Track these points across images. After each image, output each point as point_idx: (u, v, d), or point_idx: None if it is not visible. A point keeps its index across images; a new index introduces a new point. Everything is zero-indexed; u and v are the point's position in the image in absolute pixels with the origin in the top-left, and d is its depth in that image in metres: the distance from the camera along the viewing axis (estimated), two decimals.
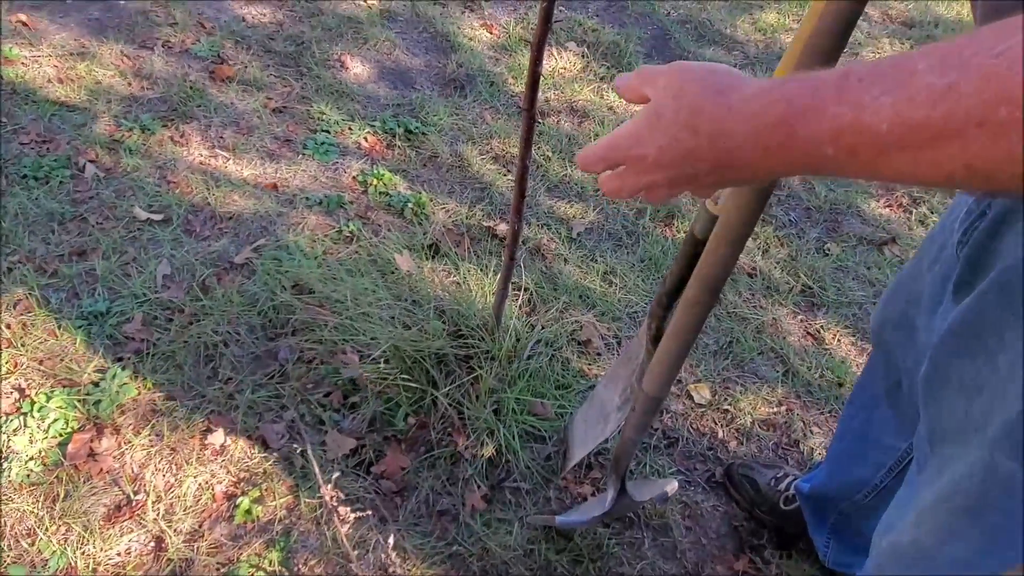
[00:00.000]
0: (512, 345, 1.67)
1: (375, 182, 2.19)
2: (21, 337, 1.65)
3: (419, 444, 1.59)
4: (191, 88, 2.37)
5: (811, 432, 1.79)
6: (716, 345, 1.94)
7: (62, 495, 1.43)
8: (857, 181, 2.35)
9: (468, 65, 2.70)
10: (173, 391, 1.62)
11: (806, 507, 1.46)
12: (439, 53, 2.76)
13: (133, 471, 1.49)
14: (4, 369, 1.59)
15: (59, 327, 1.69)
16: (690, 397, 1.80)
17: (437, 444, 1.58)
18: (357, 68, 2.61)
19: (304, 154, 2.25)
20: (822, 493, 1.42)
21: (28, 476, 1.45)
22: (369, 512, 1.47)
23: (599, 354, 1.84)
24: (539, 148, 2.42)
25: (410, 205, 2.14)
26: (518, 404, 1.62)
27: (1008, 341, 0.72)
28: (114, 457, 1.50)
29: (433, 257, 2.00)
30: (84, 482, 1.46)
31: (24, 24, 2.44)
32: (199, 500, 1.47)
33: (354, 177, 2.21)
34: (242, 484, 1.50)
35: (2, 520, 1.39)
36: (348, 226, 2.03)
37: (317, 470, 1.48)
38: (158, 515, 1.43)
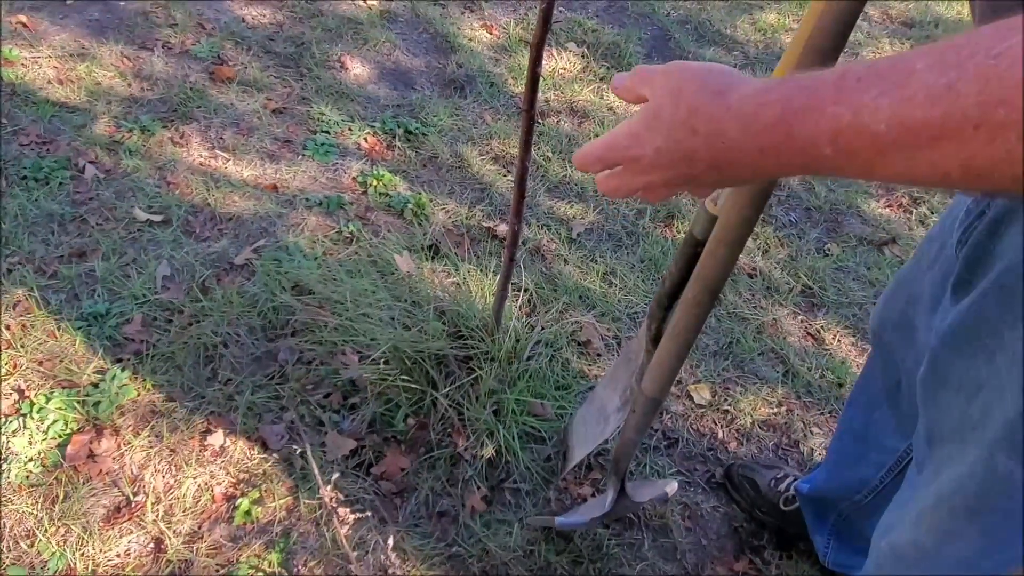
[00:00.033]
0: (512, 346, 1.67)
1: (375, 183, 2.19)
2: (21, 338, 1.65)
3: (419, 445, 1.59)
4: (191, 89, 2.37)
5: (811, 433, 1.78)
6: (716, 346, 1.94)
7: (61, 496, 1.43)
8: (856, 181, 2.36)
9: (468, 66, 2.70)
10: (173, 392, 1.62)
11: (806, 508, 1.46)
12: (439, 54, 2.76)
13: (132, 472, 1.49)
14: (4, 370, 1.59)
15: (59, 328, 1.69)
16: (690, 398, 1.80)
17: (437, 445, 1.58)
18: (357, 69, 2.61)
19: (304, 155, 2.25)
20: (822, 494, 1.41)
21: (27, 477, 1.45)
22: (369, 513, 1.47)
23: (599, 355, 1.84)
24: (539, 148, 2.42)
25: (410, 206, 2.14)
26: (518, 405, 1.61)
27: (1007, 341, 0.72)
28: (113, 458, 1.50)
29: (433, 258, 2.00)
30: (83, 483, 1.46)
31: (24, 25, 2.44)
32: (198, 501, 1.47)
33: (354, 178, 2.21)
34: (242, 485, 1.50)
35: (1, 521, 1.39)
36: (348, 227, 2.03)
37: (317, 471, 1.48)
38: (157, 516, 1.43)
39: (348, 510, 1.42)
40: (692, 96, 0.53)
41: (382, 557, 1.40)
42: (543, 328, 1.80)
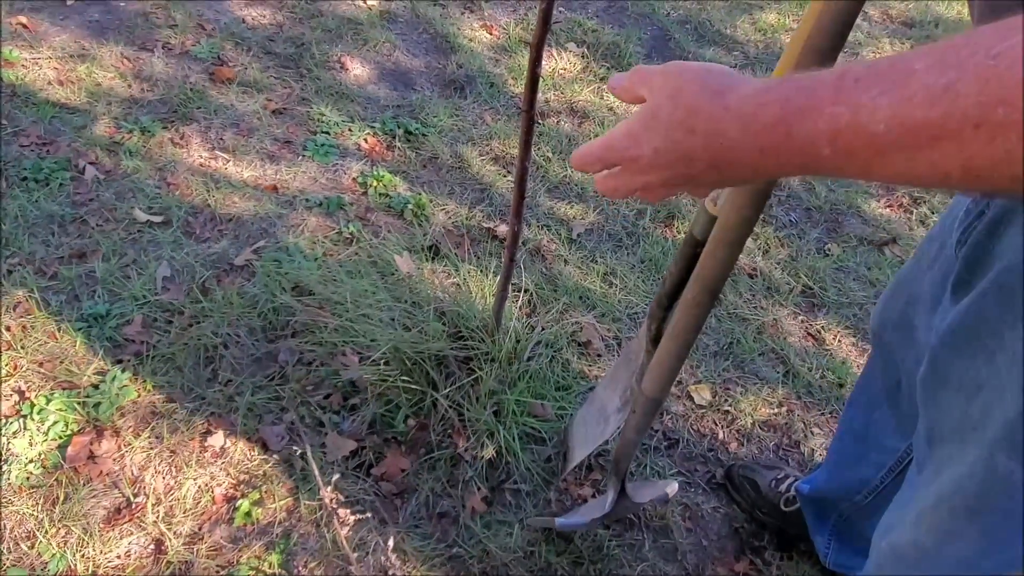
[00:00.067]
0: (512, 346, 1.67)
1: (375, 183, 2.19)
2: (21, 339, 1.65)
3: (419, 446, 1.59)
4: (191, 90, 2.37)
5: (812, 433, 1.78)
6: (716, 346, 1.93)
7: (62, 498, 1.43)
8: (856, 181, 2.36)
9: (468, 66, 2.70)
10: (173, 393, 1.62)
11: (807, 508, 1.46)
12: (439, 54, 2.76)
13: (133, 473, 1.49)
14: (4, 371, 1.59)
15: (59, 329, 1.69)
16: (690, 398, 1.80)
17: (437, 446, 1.58)
18: (357, 69, 2.61)
19: (304, 156, 2.25)
20: (822, 494, 1.41)
21: (28, 479, 1.45)
22: (369, 514, 1.47)
23: (599, 355, 1.84)
24: (539, 149, 2.41)
25: (410, 206, 2.14)
26: (518, 406, 1.61)
27: (1007, 341, 0.72)
28: (114, 459, 1.50)
29: (433, 258, 2.00)
30: (84, 484, 1.46)
31: (24, 26, 2.44)
32: (199, 502, 1.47)
33: (354, 178, 2.21)
34: (242, 486, 1.50)
35: (2, 523, 1.39)
36: (348, 227, 2.03)
37: (317, 472, 1.48)
38: (158, 517, 1.43)
39: (348, 511, 1.42)
40: (691, 96, 0.53)
41: (382, 558, 1.40)
42: (543, 329, 1.80)
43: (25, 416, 1.53)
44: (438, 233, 2.08)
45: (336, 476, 1.48)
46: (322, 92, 2.48)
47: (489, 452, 1.55)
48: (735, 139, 0.50)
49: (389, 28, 2.82)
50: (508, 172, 2.34)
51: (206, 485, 1.49)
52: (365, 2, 2.90)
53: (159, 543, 1.40)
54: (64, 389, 1.58)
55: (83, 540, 1.38)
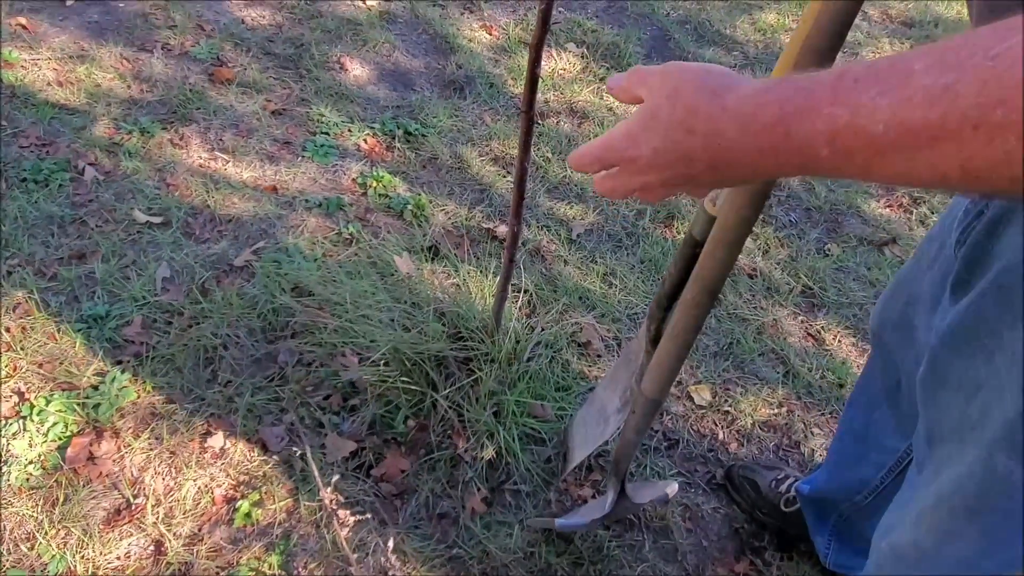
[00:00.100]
0: (512, 347, 1.67)
1: (375, 184, 2.19)
2: (21, 340, 1.65)
3: (419, 447, 1.59)
4: (190, 91, 2.37)
5: (812, 433, 1.78)
6: (716, 346, 1.93)
7: (61, 499, 1.43)
8: (855, 181, 2.36)
9: (467, 67, 2.70)
10: (172, 394, 1.62)
11: (807, 509, 1.46)
12: (438, 55, 2.76)
13: (132, 475, 1.49)
14: (4, 373, 1.59)
15: (59, 330, 1.69)
16: (690, 399, 1.80)
17: (437, 447, 1.58)
18: (356, 70, 2.61)
19: (303, 156, 2.25)
20: (823, 494, 1.41)
21: (27, 480, 1.45)
22: (369, 515, 1.47)
23: (599, 356, 1.84)
24: (538, 149, 2.41)
25: (410, 207, 2.14)
26: (518, 406, 1.61)
27: (1006, 341, 0.72)
28: (113, 461, 1.50)
29: (433, 259, 2.00)
30: (83, 486, 1.45)
31: (24, 27, 2.44)
32: (198, 503, 1.47)
33: (353, 179, 2.21)
34: (242, 487, 1.50)
35: (1, 524, 1.39)
36: (348, 228, 2.03)
37: (317, 473, 1.48)
38: (157, 519, 1.43)
39: (348, 512, 1.42)
40: (690, 96, 0.53)
41: (382, 559, 1.40)
42: (543, 329, 1.80)
43: (25, 417, 1.52)
44: (438, 234, 2.08)
45: (336, 477, 1.48)
46: (321, 93, 2.48)
47: (489, 453, 1.55)
48: (734, 139, 0.50)
49: (388, 29, 2.82)
50: (508, 172, 2.34)
51: (206, 486, 1.49)
52: (364, 3, 2.90)
53: (159, 544, 1.40)
54: (64, 390, 1.58)
55: (83, 541, 1.38)
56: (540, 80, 1.17)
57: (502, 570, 1.44)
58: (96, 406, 1.56)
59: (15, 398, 1.56)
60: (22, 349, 1.64)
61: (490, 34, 2.89)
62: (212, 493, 1.48)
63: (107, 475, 1.48)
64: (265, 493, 1.49)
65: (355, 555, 1.41)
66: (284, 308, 1.78)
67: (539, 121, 2.52)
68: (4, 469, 1.45)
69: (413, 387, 1.60)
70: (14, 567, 1.34)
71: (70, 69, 2.35)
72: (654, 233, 2.22)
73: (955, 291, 0.80)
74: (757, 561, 1.53)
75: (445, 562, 1.44)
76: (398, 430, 1.60)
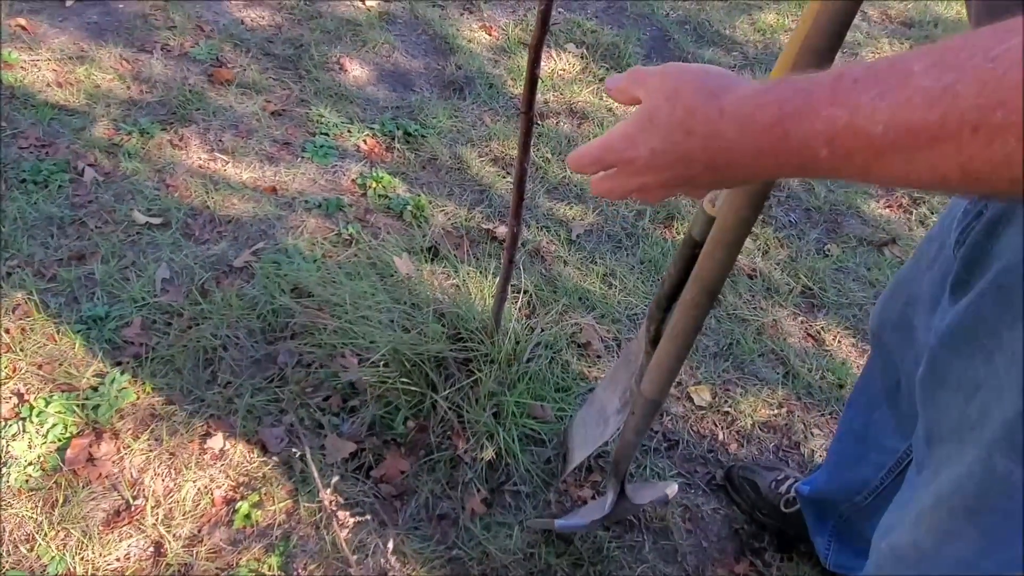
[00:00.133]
0: (512, 348, 1.67)
1: (374, 185, 2.19)
2: (20, 342, 1.65)
3: (419, 448, 1.59)
4: (190, 91, 2.37)
5: (812, 434, 1.78)
6: (716, 347, 1.93)
7: (61, 500, 1.43)
8: (854, 182, 2.36)
9: (467, 67, 2.70)
10: (172, 395, 1.62)
11: (807, 509, 1.46)
12: (438, 55, 2.76)
13: (132, 476, 1.49)
14: (3, 374, 1.59)
15: (58, 332, 1.69)
16: (690, 399, 1.80)
17: (437, 448, 1.58)
18: (356, 71, 2.61)
19: (303, 157, 2.25)
20: (823, 495, 1.41)
21: (27, 481, 1.45)
22: (368, 516, 1.47)
23: (599, 356, 1.84)
24: (538, 150, 2.41)
25: (409, 208, 2.13)
26: (518, 407, 1.61)
27: (1005, 341, 0.72)
28: (113, 462, 1.50)
29: (432, 260, 2.00)
30: (83, 487, 1.45)
31: (23, 28, 2.44)
32: (198, 505, 1.46)
33: (353, 180, 2.21)
34: (241, 488, 1.50)
35: (1, 526, 1.39)
36: (347, 229, 2.03)
37: (316, 474, 1.48)
38: (157, 520, 1.43)
39: (348, 513, 1.42)
40: (688, 97, 0.52)
41: (382, 560, 1.40)
42: (543, 330, 1.80)
43: (24, 419, 1.52)
44: (437, 234, 2.08)
45: (335, 478, 1.48)
46: (321, 93, 2.48)
47: (489, 454, 1.54)
48: (732, 140, 0.50)
49: (388, 29, 2.82)
50: (507, 173, 2.34)
51: (205, 487, 1.49)
52: (364, 3, 2.90)
53: (158, 545, 1.40)
54: (63, 391, 1.58)
55: (82, 543, 1.38)
56: (539, 81, 1.17)
57: (502, 571, 1.44)
58: (96, 407, 1.56)
59: (14, 399, 1.56)
60: (21, 350, 1.64)
61: (490, 34, 2.89)
62: (212, 494, 1.48)
63: (107, 476, 1.48)
64: (265, 494, 1.49)
65: (355, 556, 1.41)
66: (284, 309, 1.78)
67: (539, 122, 2.52)
68: (4, 470, 1.45)
69: (413, 388, 1.60)
70: (14, 568, 1.34)
71: (70, 70, 2.35)
72: (654, 234, 2.22)
73: (954, 291, 0.80)
74: (757, 562, 1.53)
75: (445, 563, 1.44)
76: (398, 431, 1.59)
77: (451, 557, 1.45)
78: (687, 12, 3.26)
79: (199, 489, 1.49)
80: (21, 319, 1.70)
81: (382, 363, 1.63)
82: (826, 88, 0.44)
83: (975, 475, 0.79)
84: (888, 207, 2.50)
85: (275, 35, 2.68)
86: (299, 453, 1.53)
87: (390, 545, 1.39)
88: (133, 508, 1.44)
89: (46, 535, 1.38)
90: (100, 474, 1.48)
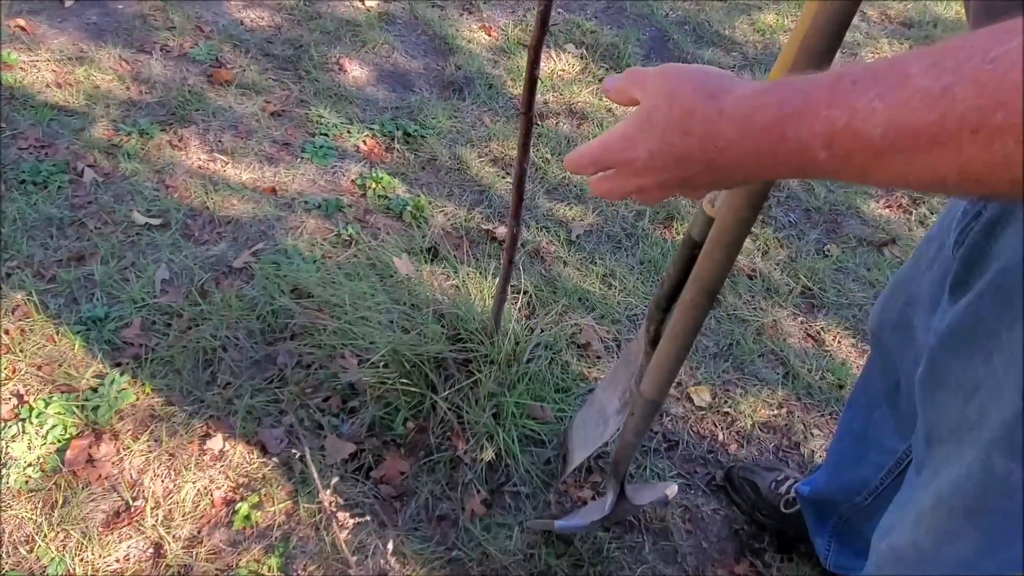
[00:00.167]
0: (511, 349, 1.67)
1: (374, 185, 2.19)
2: (20, 343, 1.65)
3: (418, 448, 1.59)
4: (189, 92, 2.37)
5: (812, 434, 1.78)
6: (716, 347, 1.93)
7: (60, 501, 1.43)
8: (852, 183, 2.36)
9: (466, 68, 2.70)
10: (172, 396, 1.62)
11: (807, 510, 1.45)
12: (437, 56, 2.76)
13: (132, 477, 1.49)
14: (3, 375, 1.59)
15: (58, 332, 1.69)
16: (690, 400, 1.80)
17: (436, 448, 1.58)
18: (355, 71, 2.61)
19: (303, 158, 2.25)
20: (822, 496, 1.41)
21: (26, 482, 1.45)
22: (368, 517, 1.47)
23: (599, 357, 1.84)
24: (538, 150, 2.41)
25: (409, 208, 2.13)
26: (517, 408, 1.61)
27: (1005, 341, 0.72)
28: (113, 463, 1.50)
29: (432, 260, 2.00)
30: (83, 488, 1.45)
31: (23, 29, 2.44)
32: (198, 506, 1.46)
33: (353, 180, 2.21)
34: (241, 489, 1.50)
35: (1, 527, 1.39)
36: (347, 230, 2.03)
37: (316, 475, 1.48)
38: (157, 521, 1.43)
39: (347, 514, 1.42)
40: (687, 98, 0.52)
41: (382, 561, 1.40)
42: (542, 331, 1.80)
43: (24, 420, 1.52)
44: (437, 235, 2.07)
45: (335, 479, 1.48)
46: (321, 94, 2.48)
47: (488, 454, 1.54)
48: (731, 141, 0.50)
49: (388, 30, 2.82)
50: (507, 173, 2.34)
51: (205, 488, 1.49)
52: (363, 3, 2.90)
53: (158, 547, 1.40)
54: (63, 392, 1.58)
55: (82, 544, 1.38)
56: (539, 81, 1.17)
57: (502, 572, 1.44)
58: (95, 408, 1.56)
59: (14, 400, 1.56)
60: (21, 351, 1.64)
61: (489, 35, 2.89)
62: (211, 495, 1.48)
63: (106, 477, 1.48)
64: (264, 495, 1.49)
65: (354, 557, 1.40)
66: (283, 310, 1.78)
67: (538, 122, 2.52)
68: (3, 471, 1.45)
69: (412, 389, 1.60)
70: (13, 570, 1.34)
71: (69, 71, 2.35)
72: (653, 234, 2.22)
73: (953, 292, 0.80)
74: (757, 563, 1.53)
75: (445, 564, 1.44)
76: (397, 432, 1.59)
77: (451, 558, 1.45)
78: (686, 12, 3.26)
79: (199, 490, 1.49)
80: (21, 320, 1.70)
81: (382, 364, 1.63)
82: (825, 89, 0.44)
83: (974, 475, 0.79)
84: (888, 207, 2.50)
85: (275, 36, 2.68)
86: (299, 454, 1.53)
87: (390, 546, 1.39)
88: (133, 509, 1.44)
89: (46, 536, 1.38)
90: (100, 475, 1.48)
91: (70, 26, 2.51)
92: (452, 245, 2.05)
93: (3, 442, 1.49)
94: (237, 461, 1.54)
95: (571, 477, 1.60)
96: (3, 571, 1.33)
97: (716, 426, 1.76)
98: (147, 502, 1.45)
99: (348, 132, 2.36)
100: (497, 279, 1.60)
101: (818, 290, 2.14)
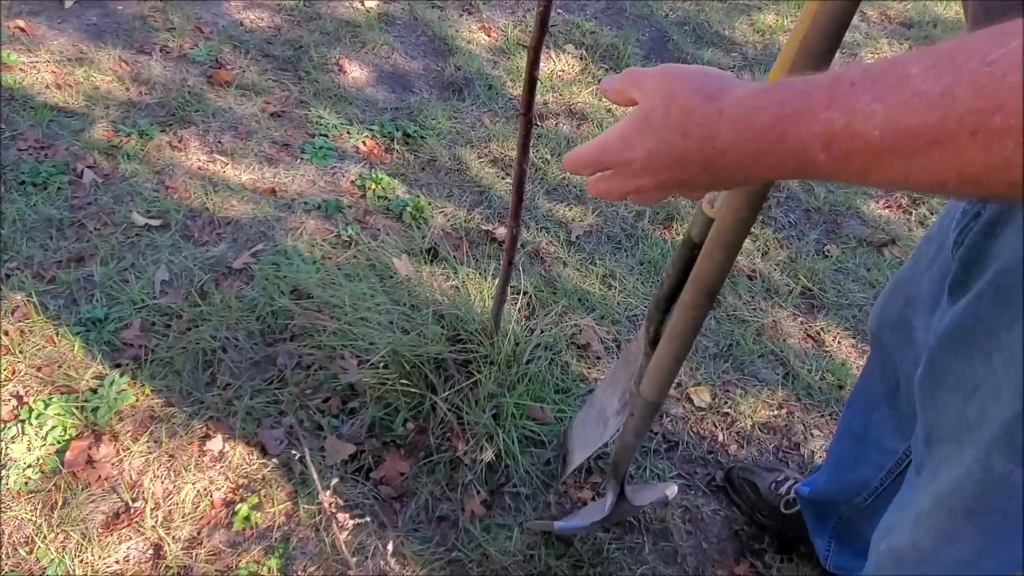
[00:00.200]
0: (511, 349, 1.67)
1: (373, 186, 2.19)
2: (19, 344, 1.65)
3: (418, 449, 1.59)
4: (189, 93, 2.37)
5: (812, 435, 1.78)
6: (716, 348, 1.93)
7: (60, 503, 1.43)
8: (852, 184, 2.36)
9: (466, 68, 2.70)
10: (171, 397, 1.61)
11: (807, 511, 1.45)
12: (437, 56, 2.76)
13: (131, 478, 1.49)
14: (2, 376, 1.59)
15: (57, 334, 1.69)
16: (690, 400, 1.80)
17: (436, 449, 1.58)
18: (355, 72, 2.61)
19: (302, 158, 2.25)
20: (822, 496, 1.41)
21: (26, 484, 1.45)
22: (368, 518, 1.47)
23: (599, 358, 1.84)
24: (538, 151, 2.41)
25: (408, 209, 2.13)
26: (517, 409, 1.61)
27: (1004, 341, 0.72)
28: (112, 464, 1.50)
29: (432, 261, 2.00)
30: (82, 489, 1.45)
31: (22, 30, 2.44)
32: (198, 507, 1.46)
33: (352, 181, 2.21)
34: (241, 490, 1.50)
35: (0, 528, 1.39)
36: (346, 230, 2.03)
37: (316, 476, 1.48)
38: (156, 522, 1.43)
39: (347, 515, 1.42)
40: (685, 99, 0.52)
41: (381, 562, 1.40)
42: (542, 331, 1.80)
43: (23, 421, 1.52)
44: (437, 236, 2.07)
45: (335, 480, 1.48)
46: (320, 95, 2.48)
47: (488, 455, 1.54)
48: (729, 143, 0.49)
49: (387, 30, 2.82)
50: (507, 174, 2.34)
51: (205, 489, 1.49)
52: (363, 4, 2.90)
53: (158, 548, 1.40)
54: (62, 393, 1.58)
55: (82, 545, 1.38)
56: (539, 82, 1.17)
57: (502, 573, 1.44)
58: (95, 409, 1.56)
59: (14, 401, 1.56)
60: (21, 352, 1.64)
61: (489, 36, 2.89)
62: (211, 496, 1.48)
63: (106, 479, 1.48)
64: (264, 496, 1.49)
65: (354, 558, 1.40)
66: (283, 311, 1.78)
67: (538, 123, 2.52)
68: (3, 473, 1.45)
69: (412, 390, 1.60)
70: (13, 571, 1.34)
71: (69, 72, 2.35)
72: (653, 235, 2.22)
73: (953, 292, 0.80)
74: (757, 563, 1.52)
75: (445, 565, 1.44)
76: (397, 433, 1.59)
77: (451, 559, 1.45)
78: (686, 13, 3.26)
79: (198, 491, 1.49)
80: (20, 321, 1.70)
81: (381, 365, 1.63)
82: (824, 91, 0.44)
83: (974, 475, 0.79)
84: (888, 208, 2.50)
85: (274, 36, 2.68)
86: (299, 455, 1.53)
87: (390, 547, 1.39)
88: (132, 510, 1.44)
89: (45, 537, 1.38)
90: (99, 476, 1.47)
91: (70, 27, 2.51)
92: (452, 246, 2.05)
93: (3, 443, 1.49)
94: (237, 462, 1.53)
95: (571, 478, 1.60)
96: (3, 572, 1.33)
97: (716, 427, 1.76)
98: (147, 503, 1.45)
99: (348, 133, 2.36)
100: (497, 280, 1.60)
101: (818, 291, 2.14)
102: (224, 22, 2.69)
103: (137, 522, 1.43)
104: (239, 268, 1.89)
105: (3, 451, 1.48)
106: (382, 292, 1.83)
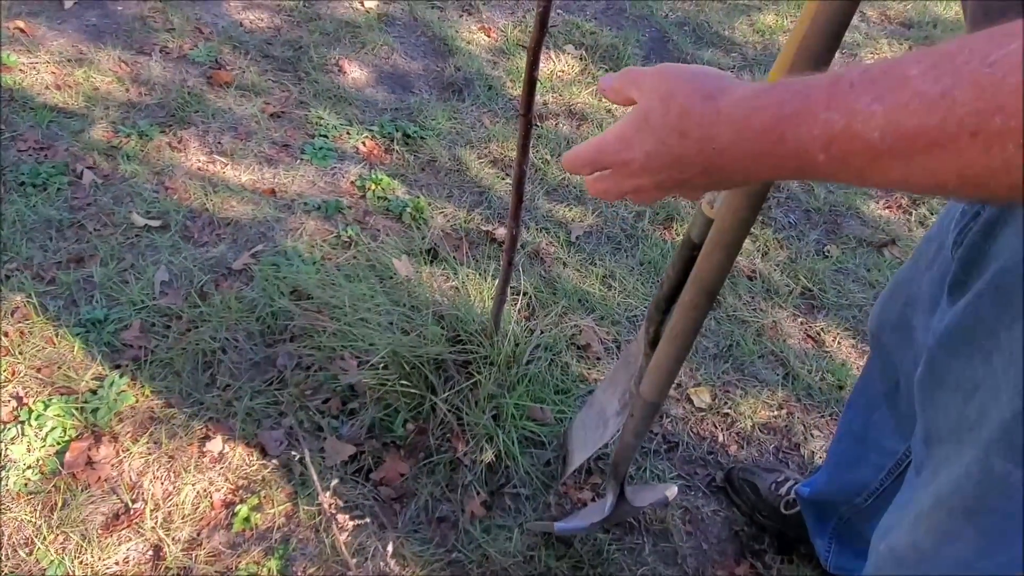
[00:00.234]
0: (511, 350, 1.67)
1: (373, 187, 2.19)
2: (19, 345, 1.65)
3: (418, 450, 1.59)
4: (189, 94, 2.37)
5: (812, 435, 1.78)
6: (716, 348, 1.93)
7: (60, 504, 1.43)
8: (851, 185, 2.35)
9: (466, 69, 2.70)
10: (171, 398, 1.61)
11: (807, 511, 1.45)
12: (437, 57, 2.76)
13: (131, 479, 1.49)
14: (2, 377, 1.58)
15: (57, 335, 1.69)
16: (690, 401, 1.80)
17: (436, 450, 1.58)
18: (355, 72, 2.61)
19: (302, 159, 2.25)
20: (823, 497, 1.41)
21: (26, 485, 1.45)
22: (368, 519, 1.47)
23: (598, 358, 1.84)
24: (537, 151, 2.41)
25: (408, 210, 2.13)
26: (517, 409, 1.61)
27: (1003, 342, 0.72)
28: (112, 465, 1.50)
29: (431, 262, 2.00)
30: (82, 491, 1.45)
31: (22, 30, 2.44)
32: (197, 508, 1.46)
33: (352, 182, 2.21)
34: (240, 492, 1.49)
35: (0, 529, 1.39)
36: (346, 231, 2.03)
37: (316, 477, 1.48)
38: (156, 523, 1.43)
39: (347, 516, 1.41)
40: (683, 99, 0.52)
41: (381, 563, 1.40)
42: (542, 332, 1.80)
43: (23, 422, 1.52)
44: (436, 236, 2.07)
45: (335, 481, 1.47)
46: (320, 95, 2.48)
47: (488, 456, 1.54)
48: (728, 143, 0.49)
49: (387, 31, 2.82)
50: (506, 175, 2.34)
51: (204, 490, 1.49)
52: (363, 5, 2.90)
53: (158, 549, 1.40)
54: (62, 395, 1.58)
55: (81, 546, 1.38)
56: (538, 82, 1.17)
57: (502, 574, 1.43)
58: (95, 410, 1.56)
59: (13, 402, 1.55)
60: (20, 353, 1.64)
61: (488, 36, 2.89)
62: (211, 497, 1.48)
63: (105, 480, 1.48)
64: (264, 497, 1.49)
65: (354, 559, 1.40)
66: (283, 311, 1.78)
67: (538, 123, 2.52)
68: (2, 474, 1.45)
69: (412, 390, 1.60)
70: (13, 572, 1.34)
71: (68, 72, 2.35)
72: (653, 235, 2.22)
73: (952, 292, 0.80)
74: (757, 564, 1.52)
75: (444, 566, 1.44)
76: (397, 434, 1.59)
77: (451, 560, 1.45)
78: (686, 13, 3.26)
79: (198, 492, 1.48)
80: (20, 322, 1.70)
81: (381, 365, 1.63)
82: (823, 91, 0.44)
83: (973, 476, 0.79)
84: (887, 208, 2.50)
85: (274, 37, 2.68)
86: (298, 456, 1.53)
87: (389, 548, 1.39)
88: (132, 511, 1.44)
89: (45, 539, 1.38)
90: (99, 477, 1.47)
91: (69, 28, 2.51)
92: (452, 246, 2.05)
93: (2, 444, 1.49)
94: (237, 463, 1.53)
95: (571, 479, 1.60)
96: (3, 574, 1.33)
97: (716, 427, 1.76)
98: (146, 504, 1.45)
99: (348, 133, 2.36)
100: (497, 280, 1.60)
101: (818, 291, 2.14)
102: (224, 23, 2.69)
103: (137, 523, 1.43)
104: (239, 269, 1.89)
105: (3, 452, 1.48)
106: (382, 293, 1.83)
